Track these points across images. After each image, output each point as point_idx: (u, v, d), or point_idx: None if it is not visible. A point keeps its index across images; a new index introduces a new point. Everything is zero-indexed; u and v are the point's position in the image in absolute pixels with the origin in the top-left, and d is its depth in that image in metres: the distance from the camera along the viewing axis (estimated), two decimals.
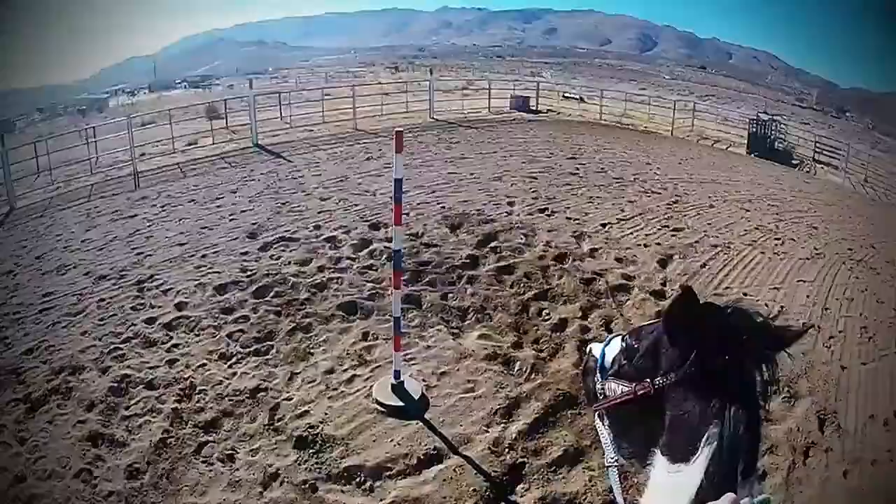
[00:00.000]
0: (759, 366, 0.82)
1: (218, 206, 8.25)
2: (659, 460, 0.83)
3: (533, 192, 7.83)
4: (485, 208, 7.12)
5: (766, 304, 5.20)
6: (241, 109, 14.15)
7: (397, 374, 3.36)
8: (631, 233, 6.54)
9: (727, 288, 5.56)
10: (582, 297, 4.99)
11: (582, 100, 19.36)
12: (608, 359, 1.02)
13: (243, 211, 7.81)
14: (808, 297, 5.69)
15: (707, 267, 5.95)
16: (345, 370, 3.86)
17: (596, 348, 1.08)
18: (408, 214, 7.02)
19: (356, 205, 7.46)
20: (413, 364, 3.89)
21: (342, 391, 3.61)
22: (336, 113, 14.21)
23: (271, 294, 5.09)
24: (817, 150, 16.79)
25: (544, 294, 4.99)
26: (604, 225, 6.68)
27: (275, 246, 6.29)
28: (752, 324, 0.84)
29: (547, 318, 4.62)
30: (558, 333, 4.42)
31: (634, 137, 14.21)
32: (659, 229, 6.69)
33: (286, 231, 6.69)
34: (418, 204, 7.32)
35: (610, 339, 1.06)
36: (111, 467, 3.21)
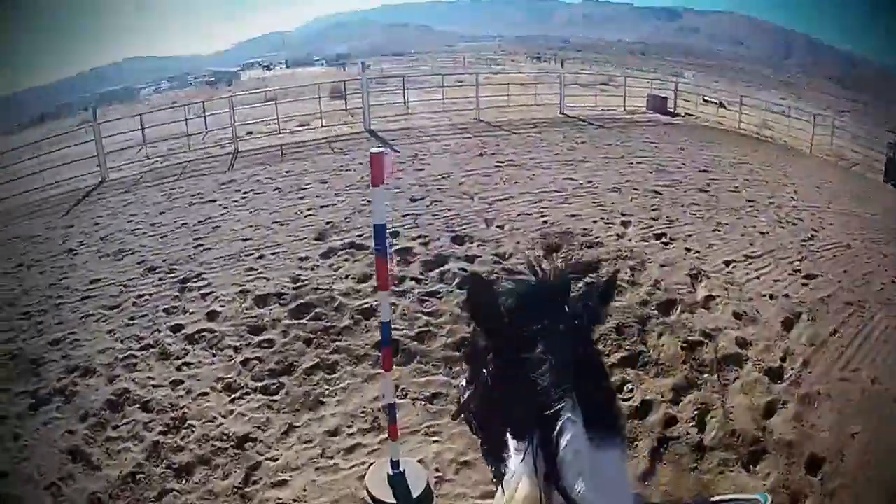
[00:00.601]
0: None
1: (300, 198, 8.98)
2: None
3: (654, 210, 7.85)
4: (594, 227, 7.03)
5: None
6: (370, 90, 15.40)
7: (395, 465, 3.20)
8: (757, 277, 6.32)
9: (855, 370, 4.83)
10: (680, 370, 4.59)
11: (722, 105, 20.98)
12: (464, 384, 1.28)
13: (323, 206, 8.38)
14: None
15: (838, 335, 5.44)
16: (351, 434, 3.83)
17: (462, 382, 1.31)
18: (501, 228, 6.96)
19: (448, 210, 7.64)
20: (433, 439, 3.72)
21: (336, 463, 3.57)
22: (463, 101, 15.40)
23: (310, 316, 5.31)
24: None
25: (634, 359, 4.66)
26: (727, 263, 6.53)
27: (339, 253, 6.61)
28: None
29: (628, 396, 4.23)
30: (635, 422, 4.01)
31: (773, 152, 14.66)
32: (790, 275, 6.45)
33: (358, 236, 7.00)
34: (518, 215, 7.33)
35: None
36: (77, 489, 3.62)
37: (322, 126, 14.20)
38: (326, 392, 4.30)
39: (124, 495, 3.52)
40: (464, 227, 7.00)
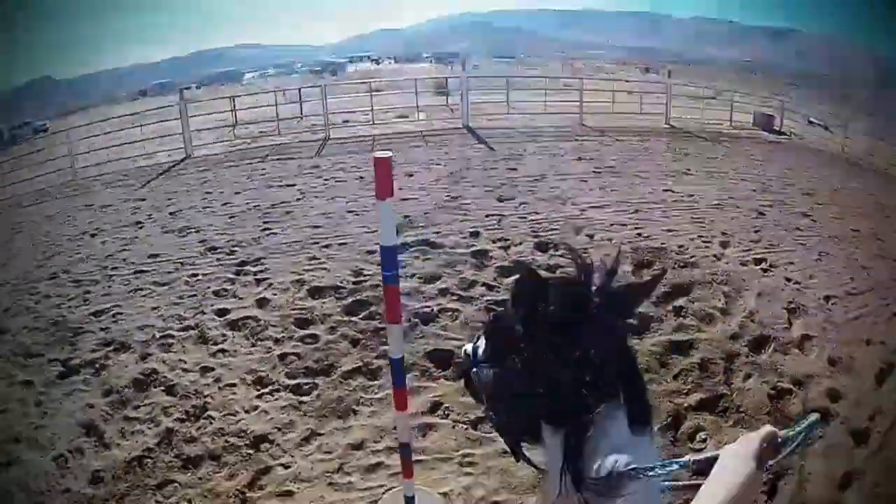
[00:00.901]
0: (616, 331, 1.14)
1: None
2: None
3: (756, 231, 7.74)
4: (690, 245, 6.85)
5: None
6: (474, 89, 15.99)
7: (410, 500, 3.00)
8: (856, 318, 5.90)
9: None
10: (763, 421, 4.08)
11: (826, 128, 22.14)
12: (480, 354, 1.35)
13: (404, 199, 8.43)
14: None
15: None
16: (376, 451, 3.68)
17: (468, 347, 1.39)
18: (591, 238, 6.81)
19: (536, 213, 7.55)
20: (466, 470, 3.50)
21: (351, 481, 3.43)
22: (567, 105, 16.25)
23: (364, 314, 5.27)
24: None
25: (714, 402, 4.28)
26: (827, 298, 6.18)
27: (410, 250, 6.56)
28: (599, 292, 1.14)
29: (700, 445, 3.86)
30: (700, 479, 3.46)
31: (878, 181, 14.52)
32: (888, 318, 5.99)
33: (435, 233, 6.97)
34: (611, 226, 7.20)
35: (478, 336, 1.38)
36: (82, 465, 3.81)
37: (420, 119, 14.69)
38: (361, 400, 4.20)
39: (126, 478, 3.63)
40: (550, 233, 6.84)
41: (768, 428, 0.93)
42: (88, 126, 16.53)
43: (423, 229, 7.12)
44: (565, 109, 15.91)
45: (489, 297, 5.41)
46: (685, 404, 4.22)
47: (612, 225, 7.29)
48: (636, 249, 6.53)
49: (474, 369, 1.34)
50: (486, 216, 7.43)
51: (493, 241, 6.58)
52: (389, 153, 2.28)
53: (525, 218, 7.34)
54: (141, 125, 14.36)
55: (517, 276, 1.21)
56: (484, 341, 1.35)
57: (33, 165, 14.28)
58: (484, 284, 5.65)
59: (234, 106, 14.70)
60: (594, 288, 1.15)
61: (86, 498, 3.54)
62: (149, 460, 3.77)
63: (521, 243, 6.53)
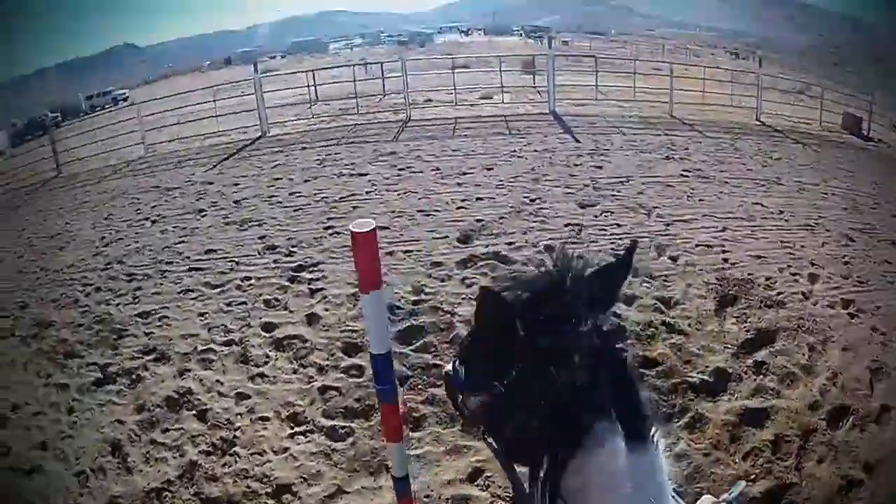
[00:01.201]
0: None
1: (458, 185, 8.83)
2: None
3: (845, 263, 7.00)
4: (779, 278, 6.16)
5: None
6: (562, 69, 15.57)
7: None
8: None
9: None
10: None
11: None
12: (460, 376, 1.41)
13: (480, 199, 8.13)
14: None
15: None
16: None
17: (448, 368, 1.50)
18: (674, 260, 6.32)
19: (617, 225, 7.09)
20: None
21: None
22: (656, 92, 15.75)
23: (416, 344, 4.98)
24: None
25: (780, 492, 3.71)
26: None
27: (479, 264, 6.25)
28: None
29: None
30: None
31: None
32: None
33: (507, 244, 6.64)
34: (696, 247, 6.66)
35: (455, 358, 1.48)
36: (102, 488, 3.81)
37: (504, 102, 14.35)
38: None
39: None
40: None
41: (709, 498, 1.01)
42: (164, 99, 17.06)
43: (494, 238, 6.78)
44: (654, 97, 15.49)
45: None
46: (750, 495, 3.75)
47: (697, 246, 6.73)
48: (722, 280, 5.97)
49: (458, 392, 1.37)
50: (565, 225, 7.04)
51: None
52: (372, 223, 1.86)
53: (605, 231, 6.90)
54: (214, 100, 14.51)
55: (479, 298, 1.19)
56: (461, 364, 1.37)
57: (107, 139, 14.83)
58: None
59: (315, 80, 14.69)
60: (564, 291, 1.11)
61: None
62: (168, 494, 3.71)
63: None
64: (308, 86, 14.88)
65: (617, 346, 1.09)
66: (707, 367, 4.69)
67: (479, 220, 7.24)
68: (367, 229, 1.85)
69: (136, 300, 5.90)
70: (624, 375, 1.07)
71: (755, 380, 4.68)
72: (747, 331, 5.20)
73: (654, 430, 1.03)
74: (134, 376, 4.81)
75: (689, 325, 5.19)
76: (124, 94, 42.55)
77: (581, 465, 0.98)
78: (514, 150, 10.43)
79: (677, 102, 15.04)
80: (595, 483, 0.97)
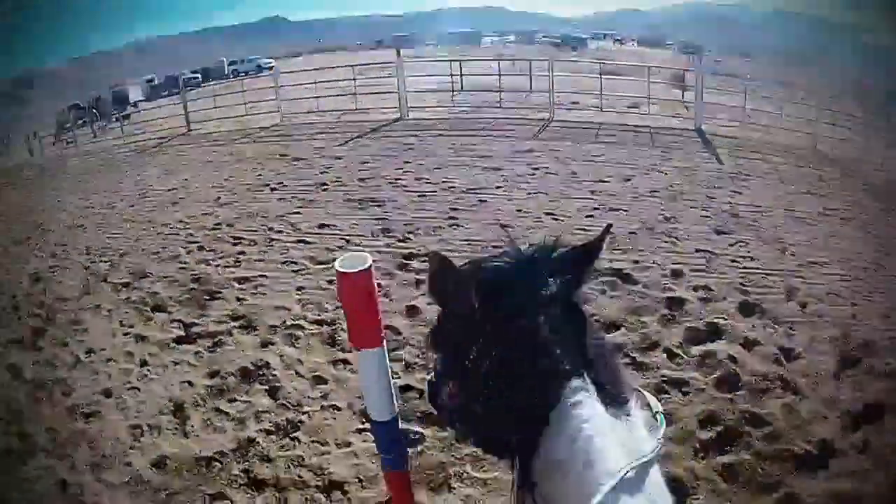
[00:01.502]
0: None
1: (591, 193, 8.28)
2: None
3: None
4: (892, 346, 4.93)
5: None
6: (710, 88, 14.52)
7: None
8: None
9: None
10: None
11: None
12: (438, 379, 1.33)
13: (612, 210, 7.62)
14: None
15: None
16: None
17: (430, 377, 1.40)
18: (803, 307, 5.33)
19: (751, 258, 6.27)
20: None
21: None
22: (803, 123, 13.95)
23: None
24: None
25: None
26: None
27: (598, 281, 5.63)
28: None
29: None
30: None
31: None
32: None
33: (633, 262, 6.01)
34: (826, 295, 5.63)
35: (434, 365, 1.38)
36: (154, 445, 3.81)
37: (650, 114, 13.65)
38: (464, 475, 3.49)
39: (187, 475, 3.55)
40: (760, 291, 5.51)
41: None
42: (306, 72, 17.53)
43: (619, 254, 6.14)
44: (801, 127, 13.83)
45: (665, 373, 4.31)
46: None
47: (829, 293, 5.77)
48: (846, 336, 4.99)
49: (437, 396, 1.30)
50: (696, 251, 6.33)
51: (695, 289, 5.47)
52: (368, 260, 1.67)
53: (738, 263, 6.10)
54: (354, 78, 14.73)
55: (431, 270, 1.17)
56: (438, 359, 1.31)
57: (244, 103, 15.43)
58: (666, 351, 4.55)
59: (461, 70, 14.59)
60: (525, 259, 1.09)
61: (141, 479, 3.52)
62: (217, 465, 3.60)
63: (724, 298, 5.32)
64: (453, 74, 14.88)
65: (576, 299, 1.06)
66: (813, 437, 3.89)
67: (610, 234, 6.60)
68: (360, 268, 1.59)
69: (238, 264, 5.84)
70: (585, 330, 1.03)
71: (857, 458, 3.80)
72: (862, 401, 4.27)
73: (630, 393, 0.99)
74: (216, 340, 4.74)
75: (806, 385, 4.40)
76: (270, 63, 42.74)
77: (550, 445, 0.93)
78: (655, 164, 9.75)
79: (825, 136, 13.53)
80: (563, 461, 0.90)
